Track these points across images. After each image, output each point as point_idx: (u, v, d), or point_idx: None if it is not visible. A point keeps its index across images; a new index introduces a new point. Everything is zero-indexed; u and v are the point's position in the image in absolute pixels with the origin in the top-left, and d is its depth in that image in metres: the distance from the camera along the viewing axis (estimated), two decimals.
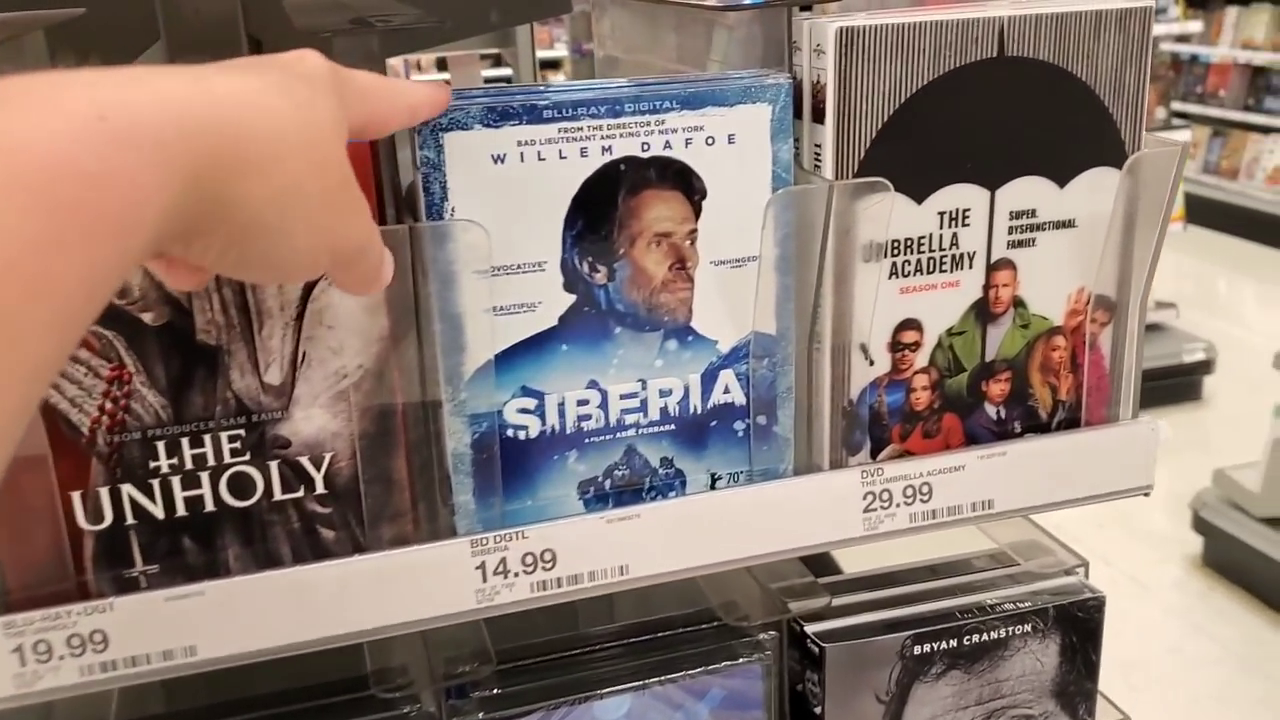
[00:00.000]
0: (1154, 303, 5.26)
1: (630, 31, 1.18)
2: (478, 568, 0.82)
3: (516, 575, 0.83)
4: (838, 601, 1.01)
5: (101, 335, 0.74)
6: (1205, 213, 7.20)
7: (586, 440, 0.85)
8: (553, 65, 7.67)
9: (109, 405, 0.75)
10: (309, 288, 0.76)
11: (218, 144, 0.50)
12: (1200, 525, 3.86)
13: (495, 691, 0.91)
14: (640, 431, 0.86)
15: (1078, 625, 1.02)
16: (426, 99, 0.71)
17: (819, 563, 1.10)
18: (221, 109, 0.51)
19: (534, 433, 0.84)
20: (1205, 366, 5.14)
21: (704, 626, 0.98)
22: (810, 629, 0.97)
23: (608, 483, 0.86)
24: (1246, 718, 3.15)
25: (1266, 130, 7.62)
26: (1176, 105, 8.04)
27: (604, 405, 0.85)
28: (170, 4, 1.23)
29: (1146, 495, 0.95)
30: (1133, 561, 3.87)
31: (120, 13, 1.21)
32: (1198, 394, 5.17)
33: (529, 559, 0.83)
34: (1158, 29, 5.46)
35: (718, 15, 0.95)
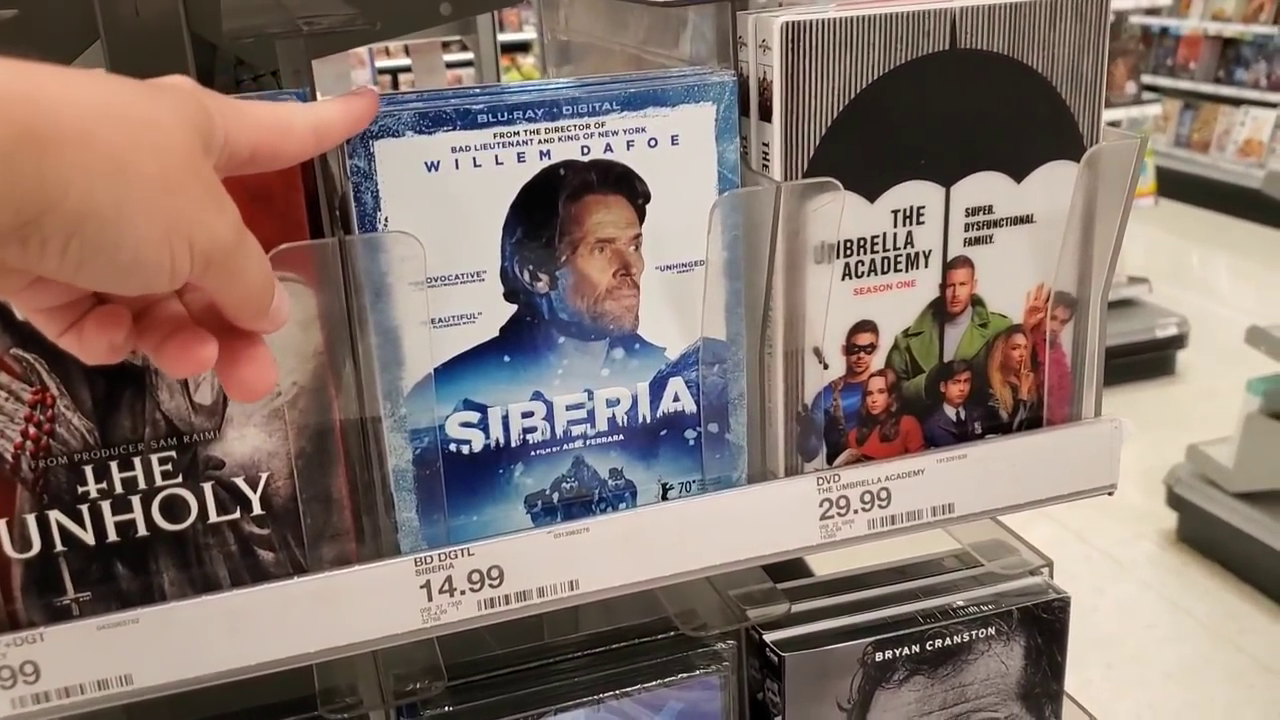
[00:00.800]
0: (1126, 277, 5.27)
1: (588, 18, 1.15)
2: (423, 586, 0.79)
3: (463, 593, 0.80)
4: (798, 608, 0.99)
5: (21, 358, 0.71)
6: (1177, 186, 7.20)
7: (532, 453, 0.83)
8: (522, 48, 7.61)
9: (32, 430, 0.72)
10: None
11: (29, 117, 0.47)
12: (1174, 501, 3.86)
13: (447, 709, 0.88)
14: (588, 443, 0.84)
15: (1042, 626, 1.00)
16: (338, 118, 0.67)
17: (789, 566, 1.07)
18: (35, 84, 0.48)
19: (478, 447, 0.81)
20: (1178, 341, 5.14)
21: (660, 637, 0.96)
22: (769, 637, 0.95)
23: (556, 496, 0.84)
24: (1222, 691, 3.15)
25: (1237, 102, 7.62)
26: (1147, 79, 8.02)
27: (549, 417, 0.82)
28: (109, 4, 1.19)
29: (1110, 494, 0.93)
30: (1107, 538, 3.87)
31: (56, 12, 1.17)
32: (1171, 369, 5.17)
33: (475, 576, 0.80)
34: (1127, 2, 5.44)
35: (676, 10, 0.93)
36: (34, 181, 0.47)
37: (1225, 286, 6.56)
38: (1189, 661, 3.29)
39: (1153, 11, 7.49)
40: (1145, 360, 5.03)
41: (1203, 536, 3.78)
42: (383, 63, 6.56)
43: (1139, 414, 4.72)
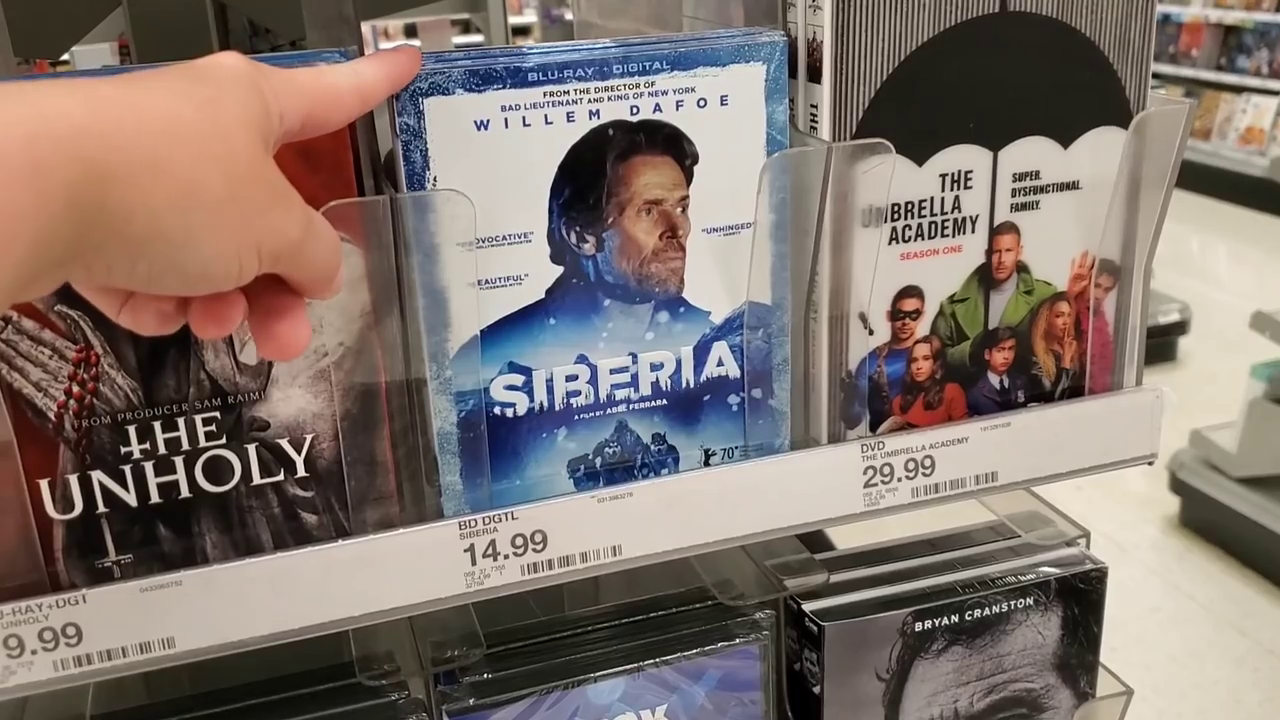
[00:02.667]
0: None
1: None
2: (466, 550, 0.79)
3: (506, 557, 0.80)
4: (835, 578, 0.98)
5: (66, 315, 0.70)
6: (1178, 174, 7.20)
7: (576, 417, 0.82)
8: (522, 32, 7.60)
9: (76, 389, 0.71)
10: None
11: (96, 152, 0.46)
12: (1177, 486, 3.87)
13: (486, 676, 0.88)
14: (631, 407, 0.83)
15: (1079, 597, 1.00)
16: (382, 77, 0.66)
17: (811, 539, 1.07)
18: (106, 115, 0.47)
19: (522, 410, 0.81)
20: (1180, 327, 5.15)
21: (698, 606, 0.96)
22: (808, 607, 0.95)
23: (598, 460, 0.83)
24: (1225, 675, 3.16)
25: (1239, 90, 7.62)
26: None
27: (593, 380, 0.81)
28: None
29: (1150, 464, 0.93)
30: (1111, 523, 3.88)
31: None
32: (1173, 355, 5.18)
33: (519, 541, 0.80)
34: None
35: None
36: (95, 215, 0.46)
37: (1226, 273, 6.56)
38: (1192, 645, 3.30)
39: None
40: (1147, 346, 5.02)
41: (1206, 521, 3.79)
42: (383, 45, 6.53)
43: None
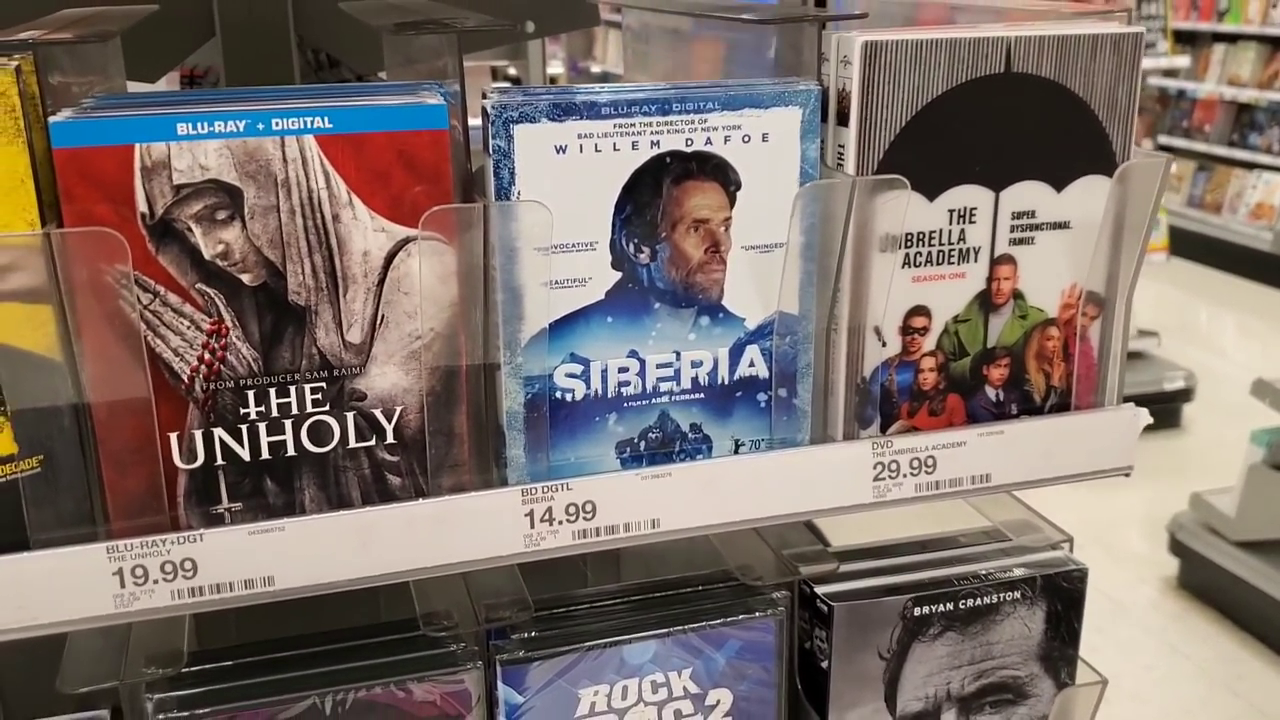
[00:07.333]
0: (1136, 331, 5.38)
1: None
2: (526, 515, 0.91)
3: (560, 523, 0.92)
4: (845, 568, 1.10)
5: (205, 293, 0.83)
6: (1189, 245, 7.34)
7: (625, 404, 0.94)
8: (551, 81, 7.80)
9: (207, 356, 0.84)
10: (391, 256, 0.85)
11: None
12: (1177, 548, 3.95)
13: (533, 634, 1.00)
14: (673, 398, 0.95)
15: (1062, 594, 1.12)
16: None
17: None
18: None
19: (579, 396, 0.93)
20: (1185, 395, 5.25)
21: (721, 586, 1.08)
22: (820, 590, 1.07)
23: (643, 444, 0.96)
24: None
25: (1250, 166, 7.77)
26: (1163, 139, 8.19)
27: (642, 373, 0.94)
28: (226, 3, 1.33)
29: (1127, 475, 1.05)
30: (1111, 582, 3.95)
31: (180, 10, 1.30)
32: (1177, 421, 5.28)
33: (571, 509, 0.92)
34: (1146, 63, 5.58)
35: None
36: None
37: (1232, 344, 6.67)
38: (1185, 703, 3.37)
39: (1170, 73, 7.65)
40: (1152, 412, 5.10)
41: (1203, 583, 3.85)
42: None
43: (1144, 463, 4.75)
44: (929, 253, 0.97)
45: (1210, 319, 7.03)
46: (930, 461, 0.99)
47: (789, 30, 0.98)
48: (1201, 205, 7.91)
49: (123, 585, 0.84)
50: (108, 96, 0.89)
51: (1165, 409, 5.19)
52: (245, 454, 0.87)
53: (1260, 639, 3.62)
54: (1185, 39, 7.90)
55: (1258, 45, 7.79)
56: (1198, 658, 3.59)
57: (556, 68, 8.44)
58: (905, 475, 0.99)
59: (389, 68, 1.11)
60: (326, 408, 0.87)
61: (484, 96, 0.86)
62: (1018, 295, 1.01)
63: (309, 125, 0.82)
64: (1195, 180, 8.00)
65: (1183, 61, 6.36)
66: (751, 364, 0.96)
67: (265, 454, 0.87)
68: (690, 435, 0.96)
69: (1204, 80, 8.08)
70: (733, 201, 0.92)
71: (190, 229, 0.81)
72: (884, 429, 1.00)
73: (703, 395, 0.96)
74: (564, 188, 0.88)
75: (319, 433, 0.88)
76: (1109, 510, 4.37)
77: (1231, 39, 7.99)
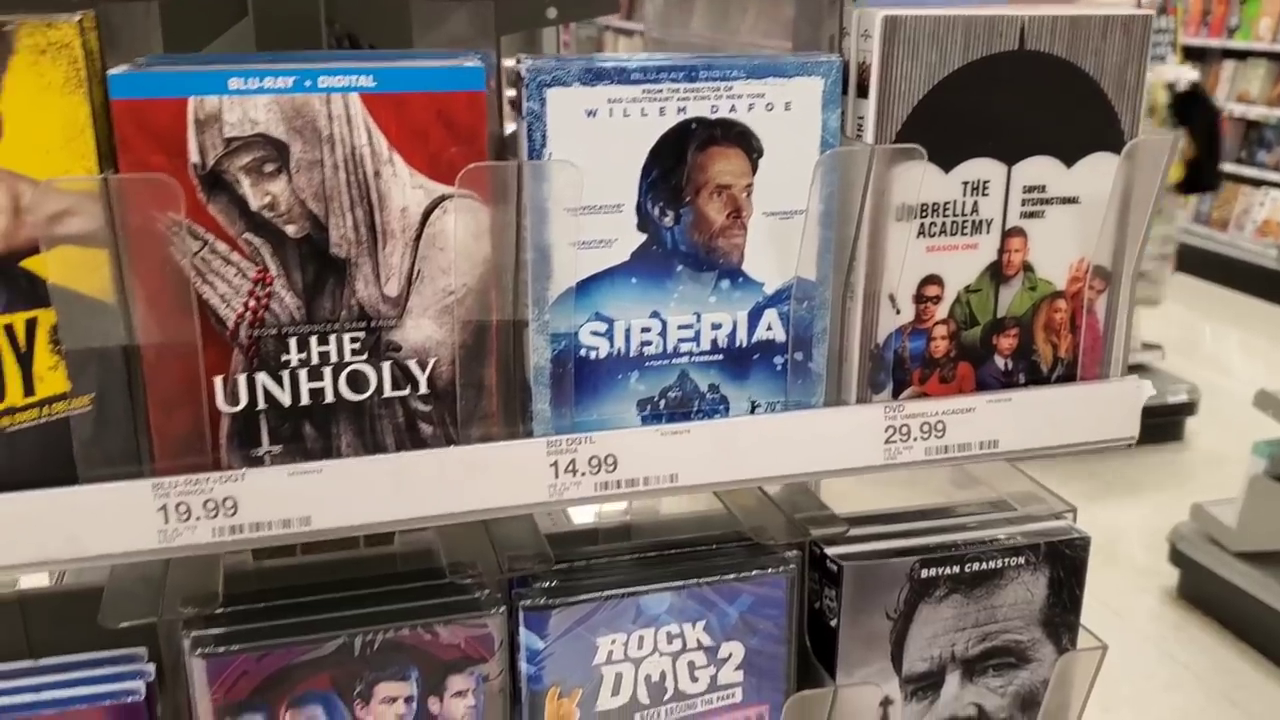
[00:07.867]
0: (1140, 344, 5.42)
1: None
2: (551, 465, 0.94)
3: (583, 474, 0.95)
4: (853, 532, 1.14)
5: (251, 242, 0.87)
6: (1195, 262, 7.38)
7: (647, 363, 0.98)
8: None
9: (252, 303, 0.88)
10: (427, 213, 0.89)
11: None
12: (1177, 558, 3.98)
13: (555, 584, 1.03)
14: (693, 359, 0.99)
15: (1064, 562, 1.15)
16: None
17: None
18: None
19: (603, 354, 0.97)
20: (1188, 408, 5.28)
21: (735, 545, 1.11)
22: (830, 551, 1.10)
23: (662, 402, 0.99)
24: None
25: (1258, 183, 7.81)
26: None
27: (663, 333, 0.98)
28: None
29: (1130, 445, 1.08)
30: (1111, 590, 3.98)
31: None
32: (1179, 434, 5.31)
33: (594, 461, 0.96)
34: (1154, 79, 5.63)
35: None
36: None
37: (1236, 360, 6.70)
38: (1184, 712, 3.40)
39: None
40: (1155, 425, 5.15)
41: (1203, 593, 3.88)
42: None
43: (1146, 476, 4.85)
44: (943, 223, 1.01)
45: (1214, 335, 7.06)
46: (940, 426, 1.03)
47: (806, 5, 1.02)
48: (1209, 222, 7.95)
49: (166, 521, 0.87)
50: (160, 56, 0.93)
51: (1168, 422, 5.22)
52: (286, 399, 0.90)
53: (1259, 650, 3.65)
54: (1195, 54, 7.94)
55: (1268, 62, 7.83)
56: (1197, 667, 3.62)
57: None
58: (915, 439, 1.02)
59: (419, 46, 1.15)
60: (364, 357, 0.91)
61: (517, 61, 0.90)
62: (1027, 267, 1.04)
63: (354, 84, 0.85)
64: (1202, 197, 8.04)
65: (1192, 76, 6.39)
66: (769, 327, 1.00)
67: (305, 400, 0.91)
68: (708, 395, 1.00)
69: (1213, 96, 8.12)
70: (755, 168, 0.96)
71: (239, 180, 0.85)
72: (896, 394, 1.04)
73: (721, 357, 1.00)
74: (593, 151, 0.92)
75: (356, 381, 0.91)
76: (1111, 521, 4.40)
77: (1241, 55, 8.04)
